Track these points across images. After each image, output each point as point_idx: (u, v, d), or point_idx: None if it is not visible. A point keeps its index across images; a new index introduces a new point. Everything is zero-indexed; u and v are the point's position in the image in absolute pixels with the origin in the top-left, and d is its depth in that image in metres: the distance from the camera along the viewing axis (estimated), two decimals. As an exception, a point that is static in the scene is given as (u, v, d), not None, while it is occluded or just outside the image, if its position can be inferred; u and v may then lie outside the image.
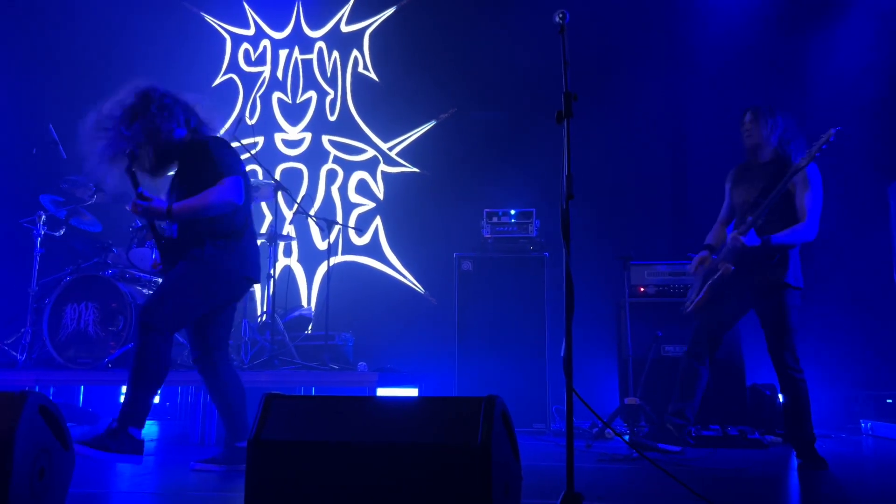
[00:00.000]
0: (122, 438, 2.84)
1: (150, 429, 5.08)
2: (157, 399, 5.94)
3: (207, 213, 3.10)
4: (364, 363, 4.89)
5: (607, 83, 5.71)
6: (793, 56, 5.82)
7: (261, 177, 6.30)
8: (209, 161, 3.14)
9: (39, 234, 4.86)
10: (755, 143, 3.66)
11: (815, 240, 3.53)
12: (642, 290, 4.79)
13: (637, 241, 5.42)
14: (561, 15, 2.27)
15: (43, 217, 4.89)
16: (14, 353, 4.74)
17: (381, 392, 4.91)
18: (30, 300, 4.77)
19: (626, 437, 4.37)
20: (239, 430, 3.17)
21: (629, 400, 4.30)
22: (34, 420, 1.93)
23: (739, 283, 3.56)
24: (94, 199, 5.07)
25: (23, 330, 4.76)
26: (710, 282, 3.65)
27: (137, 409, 2.92)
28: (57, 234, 5.03)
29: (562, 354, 1.84)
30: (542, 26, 5.89)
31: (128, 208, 3.09)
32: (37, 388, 4.45)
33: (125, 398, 2.95)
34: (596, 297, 4.96)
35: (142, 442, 2.93)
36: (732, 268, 3.52)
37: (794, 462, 3.49)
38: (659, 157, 6.06)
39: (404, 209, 6.29)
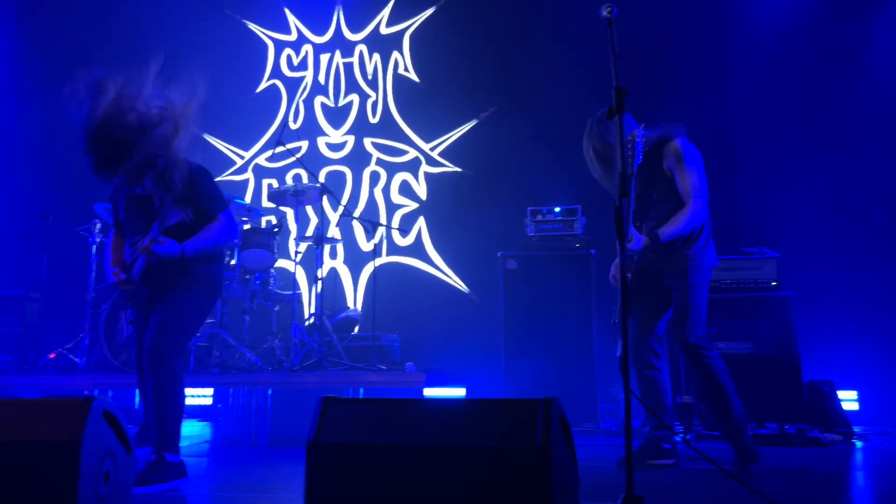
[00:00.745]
0: (163, 468, 2.85)
1: (202, 430, 5.19)
2: (209, 401, 6.06)
3: (213, 253, 3.08)
4: (411, 363, 4.90)
5: (651, 77, 5.62)
6: (842, 45, 5.63)
7: (306, 181, 6.39)
8: (202, 192, 3.03)
9: (94, 242, 5.01)
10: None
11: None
12: (693, 286, 4.68)
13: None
14: (609, 9, 2.23)
15: (98, 225, 5.03)
16: (73, 358, 4.89)
17: (429, 392, 4.92)
18: (87, 306, 4.91)
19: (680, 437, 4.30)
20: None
21: (682, 399, 4.21)
22: (99, 424, 1.98)
23: (649, 278, 3.38)
24: (145, 207, 5.19)
25: (81, 335, 4.90)
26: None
27: (168, 435, 2.90)
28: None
29: (618, 354, 1.80)
30: (582, 21, 5.87)
31: (142, 246, 2.88)
32: (96, 392, 4.58)
33: (156, 429, 2.88)
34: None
35: (181, 464, 2.93)
36: (629, 276, 3.31)
37: (858, 460, 3.38)
38: (705, 150, 5.92)
39: (447, 209, 6.28)
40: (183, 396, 2.99)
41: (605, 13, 2.24)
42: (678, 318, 3.29)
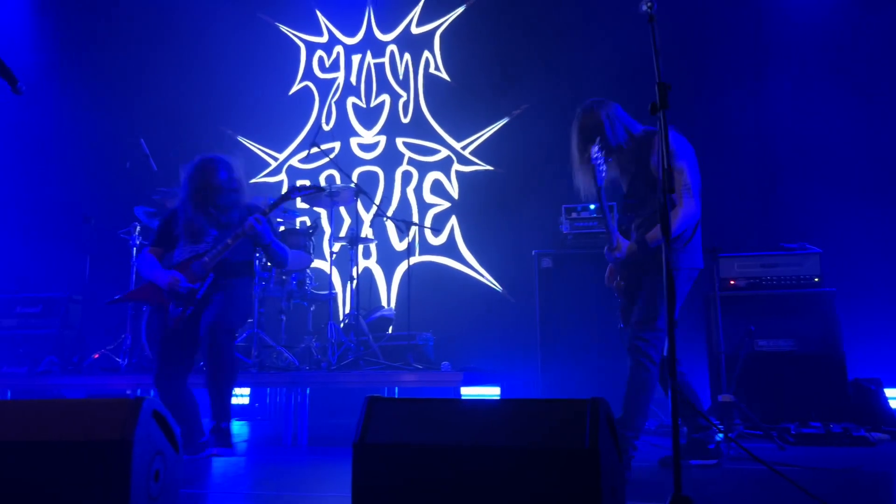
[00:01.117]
0: (229, 436, 3.34)
1: (240, 429, 5.25)
2: (246, 400, 6.14)
3: (278, 260, 3.90)
4: (447, 363, 4.90)
5: (690, 73, 5.54)
6: (884, 33, 5.48)
7: (339, 181, 6.44)
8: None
9: (135, 244, 5.10)
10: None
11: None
12: (733, 282, 4.62)
13: (724, 232, 5.21)
14: (649, 4, 2.21)
15: (138, 228, 5.12)
16: (116, 359, 4.99)
17: (465, 391, 4.91)
18: (129, 308, 5.01)
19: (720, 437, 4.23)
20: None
21: (723, 397, 4.14)
22: (149, 424, 2.01)
23: (637, 277, 3.23)
24: (183, 210, 5.27)
25: (123, 336, 5.00)
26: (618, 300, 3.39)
27: (230, 405, 3.44)
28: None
29: (664, 354, 1.78)
30: (613, 17, 5.81)
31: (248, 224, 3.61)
32: (138, 392, 4.66)
33: (219, 400, 3.36)
34: (682, 291, 4.81)
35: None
36: (624, 283, 3.27)
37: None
38: (745, 145, 5.82)
39: (480, 208, 6.27)
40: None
41: (645, 8, 2.22)
42: (638, 313, 3.13)
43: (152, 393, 5.14)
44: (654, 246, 3.07)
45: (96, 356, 5.03)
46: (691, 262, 3.20)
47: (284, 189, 3.81)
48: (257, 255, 4.07)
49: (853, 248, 5.12)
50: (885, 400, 4.32)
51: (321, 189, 3.47)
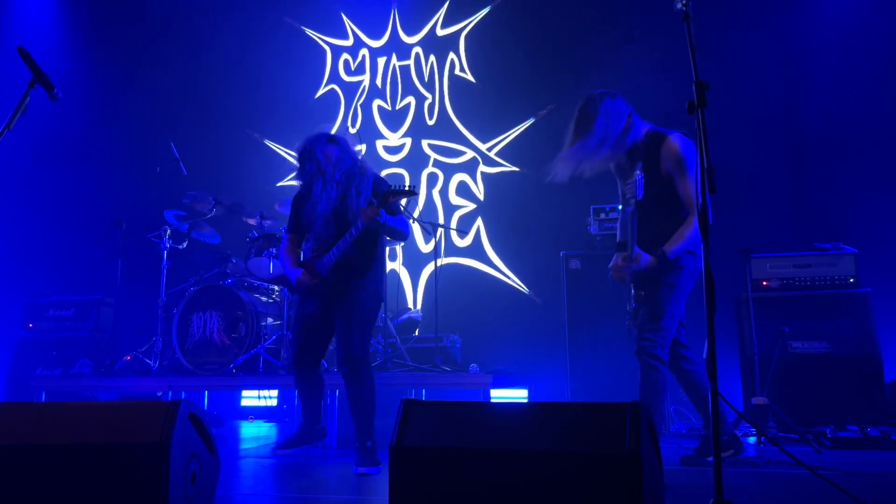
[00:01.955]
0: (375, 454, 3.40)
1: (269, 431, 5.28)
2: (274, 402, 6.17)
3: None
4: (475, 365, 4.88)
5: (717, 71, 5.46)
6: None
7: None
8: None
9: (165, 248, 5.16)
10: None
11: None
12: (765, 283, 4.54)
13: (756, 233, 5.14)
14: (684, 2, 2.17)
15: (168, 231, 5.18)
16: (147, 361, 5.04)
17: (495, 394, 4.89)
18: (159, 310, 5.06)
19: (757, 439, 4.17)
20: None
21: (757, 400, 4.08)
22: (185, 427, 2.03)
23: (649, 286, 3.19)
24: (213, 213, 5.33)
25: (154, 338, 5.06)
26: (631, 305, 3.33)
27: (372, 424, 3.47)
28: (180, 246, 5.32)
29: (704, 356, 1.75)
30: (640, 16, 5.75)
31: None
32: (170, 394, 4.71)
33: (362, 421, 3.42)
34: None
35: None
36: (643, 293, 3.19)
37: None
38: (775, 144, 5.73)
39: (506, 209, 6.25)
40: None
41: (679, 6, 2.18)
42: (644, 314, 3.14)
43: (183, 395, 5.20)
44: (672, 258, 3.08)
45: (128, 358, 5.09)
46: (696, 262, 3.19)
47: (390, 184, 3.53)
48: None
49: (890, 247, 5.01)
50: (925, 402, 4.22)
51: (413, 193, 3.40)
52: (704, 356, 1.78)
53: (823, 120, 5.47)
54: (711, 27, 5.55)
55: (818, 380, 4.32)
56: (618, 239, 3.50)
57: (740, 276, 4.49)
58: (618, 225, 3.58)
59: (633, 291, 3.29)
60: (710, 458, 3.16)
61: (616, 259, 3.26)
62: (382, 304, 4.07)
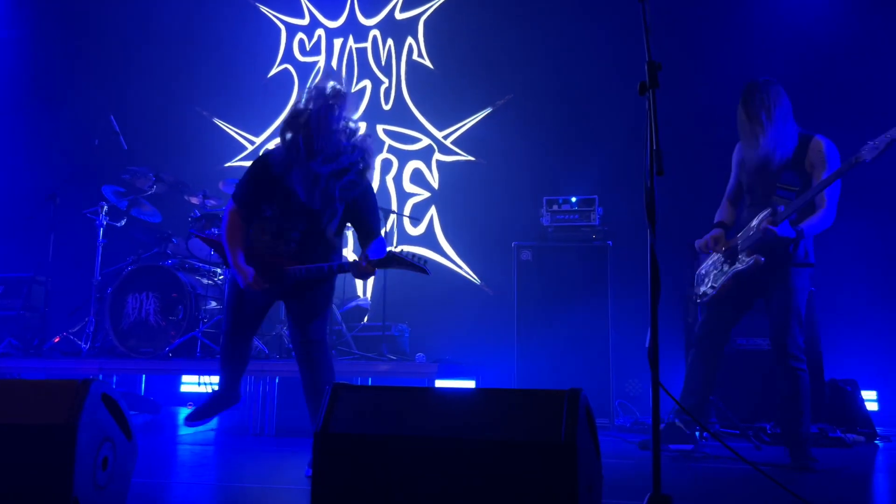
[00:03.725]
0: None
1: (209, 418, 5.10)
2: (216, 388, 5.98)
3: None
4: (422, 354, 4.80)
5: (681, 58, 5.42)
6: (863, 40, 5.46)
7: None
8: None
9: (102, 225, 4.93)
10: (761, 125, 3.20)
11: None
12: (713, 280, 4.55)
13: (705, 230, 5.15)
14: (641, -18, 2.10)
15: (105, 208, 4.95)
16: (78, 342, 4.82)
17: (440, 384, 4.82)
18: (93, 290, 4.84)
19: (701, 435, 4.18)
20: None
21: (700, 395, 4.09)
22: (97, 409, 1.89)
23: (758, 274, 3.20)
24: (153, 190, 5.11)
25: (87, 319, 4.83)
26: (734, 271, 3.29)
27: None
28: (118, 224, 5.09)
29: (646, 345, 1.69)
30: (599, 7, 5.72)
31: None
32: (100, 377, 4.50)
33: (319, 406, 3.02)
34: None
35: None
36: (763, 260, 3.16)
37: (887, 462, 3.26)
38: (726, 142, 5.76)
39: (460, 198, 6.17)
40: None
41: (636, -14, 2.11)
42: (780, 324, 3.23)
43: (115, 379, 4.99)
44: (807, 235, 3.17)
45: (57, 339, 4.86)
46: (811, 257, 3.32)
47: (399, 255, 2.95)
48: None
49: (832, 249, 5.09)
50: (861, 402, 4.29)
51: (423, 272, 2.88)
52: (646, 345, 1.72)
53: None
54: (678, 9, 5.54)
55: (761, 376, 4.35)
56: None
57: (686, 271, 4.50)
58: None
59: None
60: (672, 446, 3.28)
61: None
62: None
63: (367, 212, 3.02)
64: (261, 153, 3.09)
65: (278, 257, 2.93)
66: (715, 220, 3.53)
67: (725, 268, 3.35)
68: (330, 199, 2.82)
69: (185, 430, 4.33)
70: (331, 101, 2.85)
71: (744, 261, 3.24)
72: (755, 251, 3.20)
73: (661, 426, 3.23)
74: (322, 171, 2.74)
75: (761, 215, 3.19)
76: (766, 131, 3.18)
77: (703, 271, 3.50)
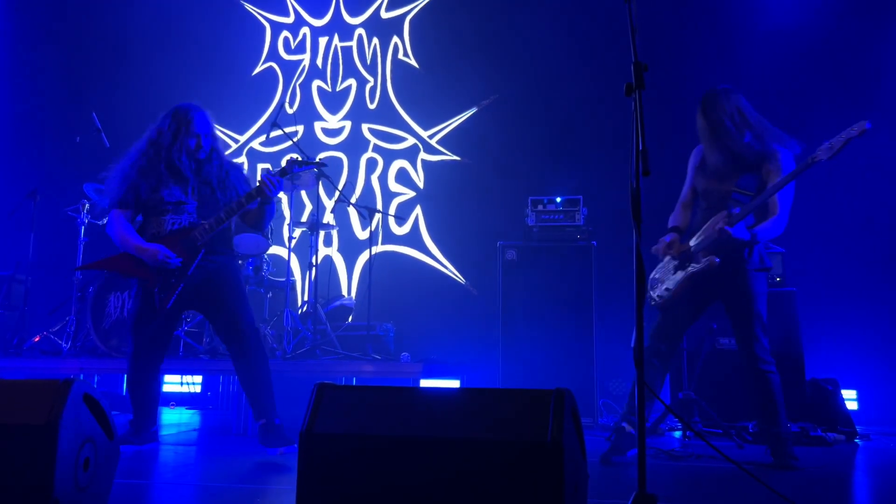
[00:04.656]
0: (284, 431, 3.18)
1: (191, 418, 5.07)
2: (198, 388, 5.94)
3: None
4: (407, 354, 4.80)
5: (663, 61, 5.45)
6: (849, 38, 5.51)
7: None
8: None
9: (83, 223, 4.87)
10: (717, 130, 3.25)
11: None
12: (696, 280, 4.58)
13: (689, 228, 5.19)
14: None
15: (87, 205, 4.89)
16: (59, 342, 4.76)
17: (425, 384, 4.81)
18: (74, 289, 4.78)
19: (679, 433, 4.21)
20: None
21: (683, 394, 4.12)
22: (79, 409, 1.86)
23: (713, 276, 3.23)
24: (136, 188, 5.05)
25: (67, 318, 4.77)
26: (688, 273, 3.30)
27: (273, 399, 3.23)
28: (100, 222, 5.03)
29: (632, 344, 1.70)
30: (585, 8, 5.73)
31: None
32: (81, 377, 4.45)
33: (264, 396, 3.20)
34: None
35: None
36: (717, 260, 3.19)
37: (866, 460, 3.29)
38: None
39: (445, 198, 6.17)
40: None
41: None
42: (745, 330, 3.24)
43: (96, 379, 4.94)
44: (760, 239, 3.19)
45: (37, 339, 4.79)
46: (766, 261, 3.35)
47: (284, 162, 3.32)
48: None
49: (815, 247, 5.15)
50: (841, 401, 4.34)
51: (322, 165, 3.13)
52: (632, 345, 1.72)
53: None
54: (662, 13, 5.56)
55: (742, 376, 4.38)
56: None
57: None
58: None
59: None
60: (630, 453, 3.19)
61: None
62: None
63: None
64: None
65: (187, 235, 3.25)
66: (669, 225, 3.54)
67: (679, 272, 3.36)
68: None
69: (166, 431, 4.29)
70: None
71: (698, 262, 3.26)
72: (710, 252, 3.23)
73: (611, 435, 3.26)
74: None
75: (716, 217, 3.23)
76: (733, 136, 3.21)
77: (657, 275, 3.50)
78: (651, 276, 3.53)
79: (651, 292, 3.47)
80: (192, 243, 3.21)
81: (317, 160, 3.08)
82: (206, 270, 3.25)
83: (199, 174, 3.32)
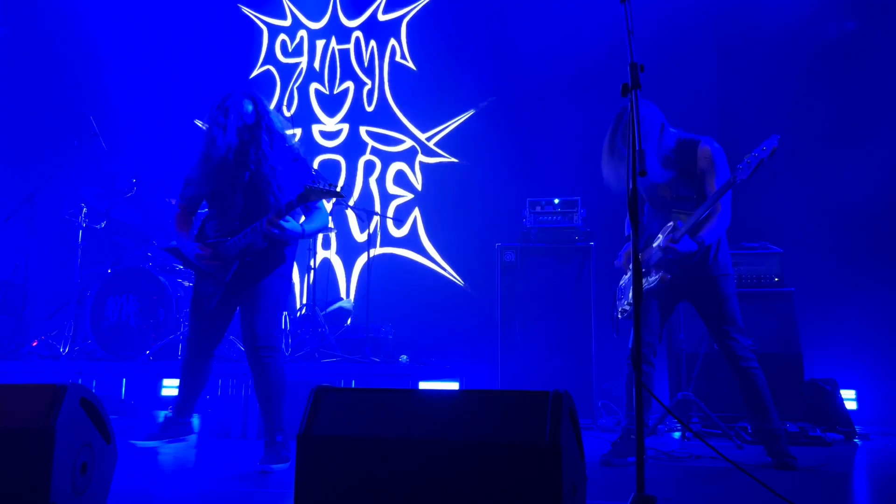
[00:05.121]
0: (284, 450, 3.10)
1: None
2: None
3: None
4: (406, 356, 4.79)
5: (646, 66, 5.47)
6: (843, 40, 5.53)
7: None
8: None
9: (81, 227, 4.87)
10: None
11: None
12: (694, 280, 4.58)
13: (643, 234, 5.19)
14: (623, -16, 2.11)
15: (85, 209, 4.89)
16: (57, 346, 4.75)
17: (424, 386, 4.81)
18: (72, 292, 4.77)
19: (678, 434, 4.21)
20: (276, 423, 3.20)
21: (682, 395, 4.12)
22: (75, 413, 1.86)
23: (671, 284, 3.26)
24: (134, 191, 5.06)
25: (65, 322, 4.77)
26: (646, 289, 3.29)
27: (281, 418, 3.15)
28: (98, 226, 5.03)
29: (630, 346, 1.69)
30: (582, 10, 5.74)
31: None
32: (79, 381, 4.44)
33: (272, 417, 3.11)
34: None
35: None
36: (669, 277, 3.22)
37: (865, 460, 3.29)
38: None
39: (443, 200, 6.17)
40: None
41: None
42: (721, 332, 3.26)
43: (94, 383, 4.93)
44: (708, 244, 3.21)
45: (35, 343, 4.78)
46: (729, 267, 3.37)
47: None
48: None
49: (813, 248, 5.15)
50: (840, 401, 4.34)
51: (340, 196, 2.85)
52: (630, 347, 1.72)
53: (754, 122, 5.56)
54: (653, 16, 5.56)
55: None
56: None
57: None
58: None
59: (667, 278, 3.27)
60: (631, 458, 3.15)
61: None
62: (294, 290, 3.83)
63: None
64: None
65: (223, 243, 3.17)
66: (626, 234, 3.55)
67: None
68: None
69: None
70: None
71: (651, 280, 3.28)
72: (661, 267, 3.25)
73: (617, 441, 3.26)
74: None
75: (665, 229, 3.24)
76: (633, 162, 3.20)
77: (622, 285, 3.52)
78: (619, 285, 3.54)
79: (617, 303, 3.48)
80: (226, 252, 3.17)
81: (337, 189, 2.90)
82: (245, 274, 3.19)
83: None
